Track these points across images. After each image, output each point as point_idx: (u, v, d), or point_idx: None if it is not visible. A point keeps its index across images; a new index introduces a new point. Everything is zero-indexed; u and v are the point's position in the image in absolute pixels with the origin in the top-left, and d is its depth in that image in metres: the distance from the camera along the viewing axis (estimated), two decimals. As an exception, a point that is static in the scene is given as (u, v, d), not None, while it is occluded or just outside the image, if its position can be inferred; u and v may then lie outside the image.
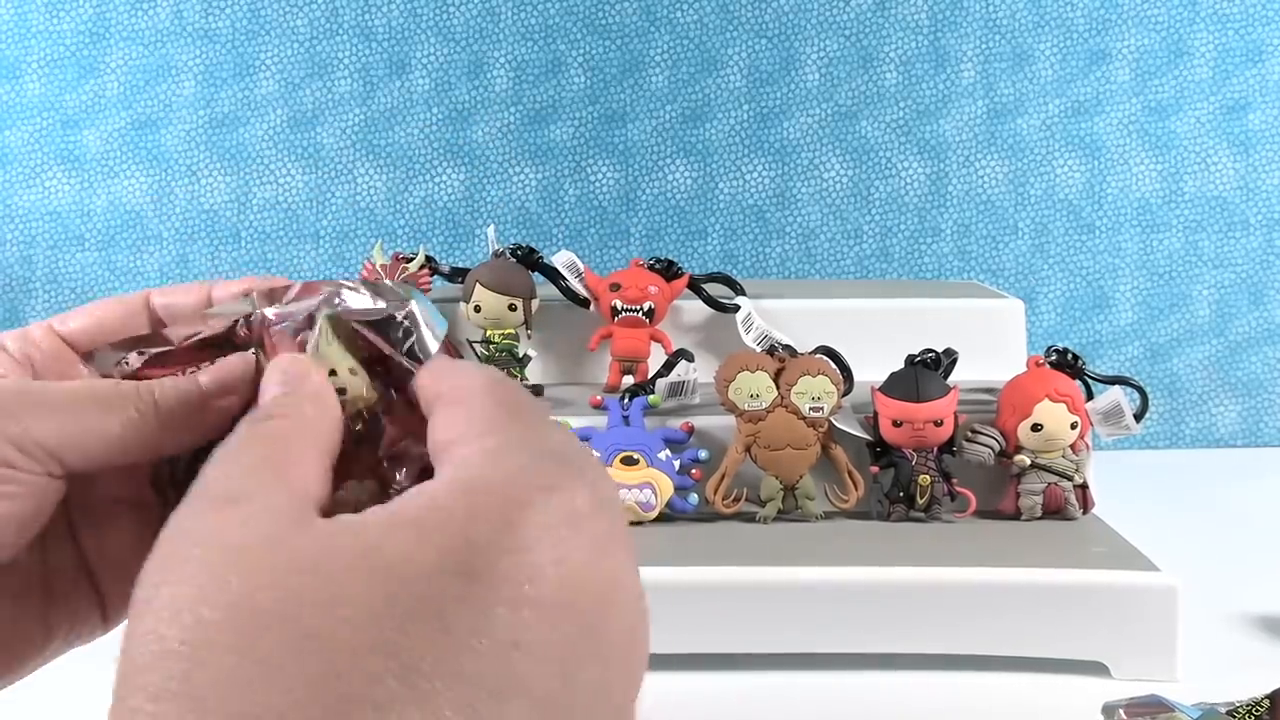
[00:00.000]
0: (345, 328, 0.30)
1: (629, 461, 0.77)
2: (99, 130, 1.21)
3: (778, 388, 0.78)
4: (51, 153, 1.21)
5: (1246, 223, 1.21)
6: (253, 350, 0.32)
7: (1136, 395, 0.80)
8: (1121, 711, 0.56)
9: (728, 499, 0.78)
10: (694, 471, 0.78)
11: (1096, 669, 0.68)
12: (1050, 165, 1.21)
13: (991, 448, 0.78)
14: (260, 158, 1.22)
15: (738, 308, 0.88)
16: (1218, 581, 0.78)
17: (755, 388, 0.78)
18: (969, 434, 0.78)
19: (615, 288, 0.88)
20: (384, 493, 0.27)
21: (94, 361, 0.33)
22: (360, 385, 0.29)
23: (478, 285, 0.87)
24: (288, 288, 0.32)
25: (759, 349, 0.85)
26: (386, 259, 0.91)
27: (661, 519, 0.77)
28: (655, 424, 0.79)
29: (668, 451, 0.78)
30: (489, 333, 0.87)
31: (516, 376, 0.86)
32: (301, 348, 0.30)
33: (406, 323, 0.30)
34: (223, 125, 1.21)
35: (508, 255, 0.90)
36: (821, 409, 0.78)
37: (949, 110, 1.21)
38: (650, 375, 0.82)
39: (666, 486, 0.76)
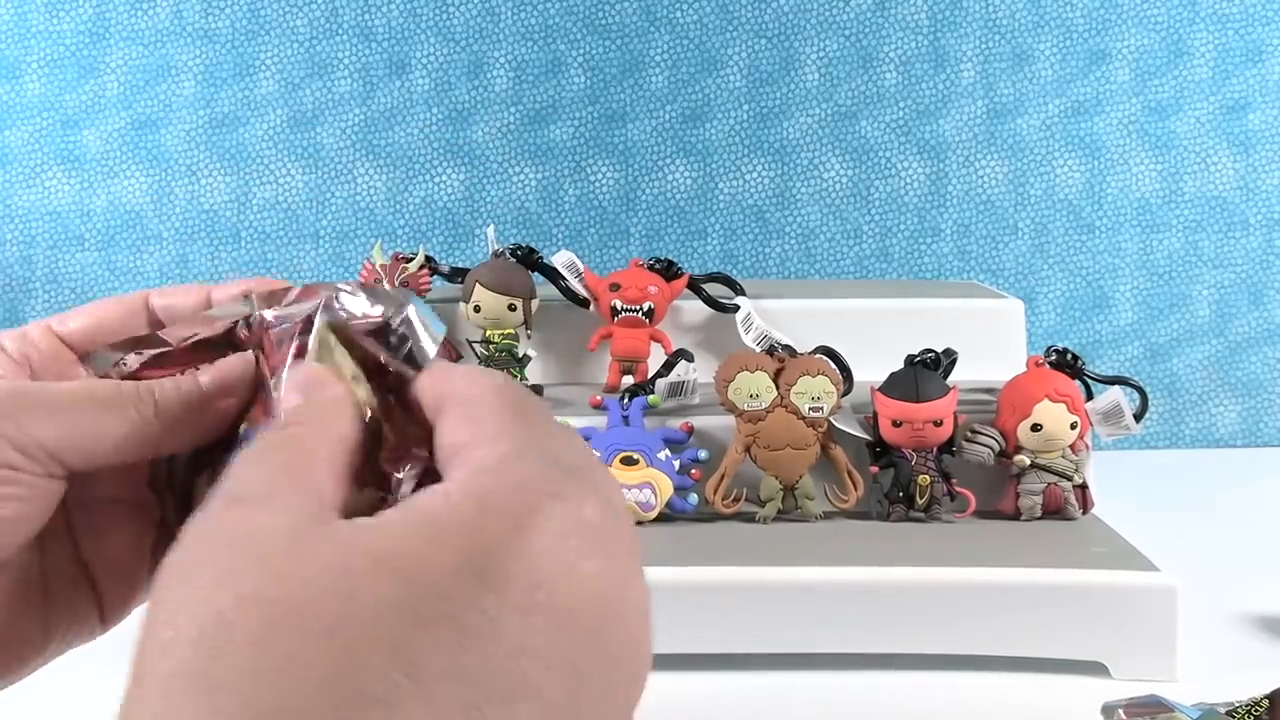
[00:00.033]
0: (344, 335, 0.30)
1: (629, 461, 0.77)
2: (99, 130, 1.21)
3: (777, 388, 0.78)
4: (51, 153, 1.21)
5: (1246, 223, 1.21)
6: (252, 351, 0.32)
7: (1136, 395, 0.80)
8: (1121, 712, 0.57)
9: (727, 499, 0.78)
10: (694, 471, 0.78)
11: (1096, 669, 0.68)
12: (1050, 165, 1.21)
13: (991, 448, 0.78)
14: (260, 158, 1.22)
15: (737, 308, 0.88)
16: (1217, 581, 0.78)
17: (755, 388, 0.78)
18: (969, 434, 0.78)
19: (615, 288, 0.88)
20: (383, 500, 0.27)
21: (92, 362, 0.33)
22: (361, 392, 0.29)
23: (477, 285, 0.87)
24: (286, 290, 0.32)
25: (759, 349, 0.85)
26: (386, 259, 0.91)
27: (661, 519, 0.77)
28: (655, 424, 0.79)
29: (667, 451, 0.78)
30: (489, 333, 0.87)
31: (516, 376, 0.86)
32: (301, 352, 0.30)
33: (403, 329, 0.30)
34: (223, 125, 1.21)
35: (507, 255, 0.90)
36: (821, 409, 0.78)
37: (949, 110, 1.21)
38: (650, 375, 0.82)
39: (666, 486, 0.76)
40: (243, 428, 0.31)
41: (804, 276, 1.23)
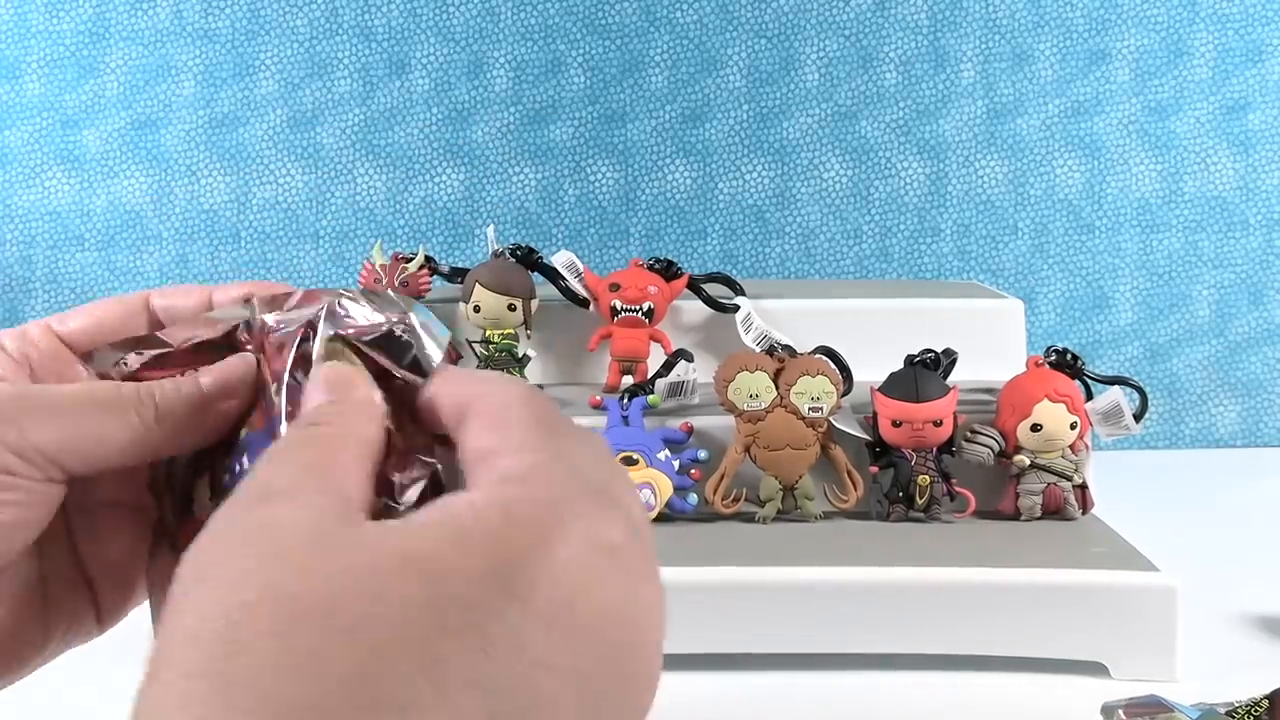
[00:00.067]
0: (348, 346, 0.29)
1: (628, 462, 0.77)
2: (99, 130, 1.21)
3: (777, 388, 0.78)
4: (51, 153, 1.21)
5: (1246, 223, 1.21)
6: (253, 353, 0.32)
7: (1136, 395, 0.80)
8: (1121, 712, 0.56)
9: (727, 499, 0.78)
10: (693, 472, 0.78)
11: (1096, 669, 0.68)
12: (1050, 165, 1.21)
13: (991, 448, 0.78)
14: (260, 158, 1.22)
15: (737, 308, 0.88)
16: (1217, 581, 0.78)
17: (754, 388, 0.78)
18: (968, 434, 0.78)
19: (615, 288, 0.88)
20: (387, 507, 0.27)
21: (93, 361, 0.33)
22: (376, 397, 0.29)
23: (477, 285, 0.87)
24: (288, 295, 0.32)
25: (758, 349, 0.85)
26: (386, 259, 0.91)
27: (661, 519, 0.77)
28: (654, 424, 0.79)
29: (667, 452, 0.78)
30: (488, 333, 0.87)
31: (516, 376, 0.86)
32: (301, 358, 0.30)
33: (406, 336, 0.29)
34: (223, 125, 1.21)
35: (507, 255, 0.90)
36: (821, 409, 0.78)
37: (949, 110, 1.21)
38: (650, 375, 0.82)
39: (666, 487, 0.76)
40: (243, 432, 0.31)
41: (804, 276, 1.23)
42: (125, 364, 0.33)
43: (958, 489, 0.78)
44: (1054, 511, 0.78)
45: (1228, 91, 1.19)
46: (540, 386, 0.90)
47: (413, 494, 0.28)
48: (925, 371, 0.79)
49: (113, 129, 1.21)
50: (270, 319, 0.32)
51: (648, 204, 1.22)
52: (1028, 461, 0.78)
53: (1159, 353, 1.22)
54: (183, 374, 0.32)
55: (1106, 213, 1.22)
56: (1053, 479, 0.78)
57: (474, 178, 1.22)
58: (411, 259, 0.91)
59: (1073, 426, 0.78)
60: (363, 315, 0.30)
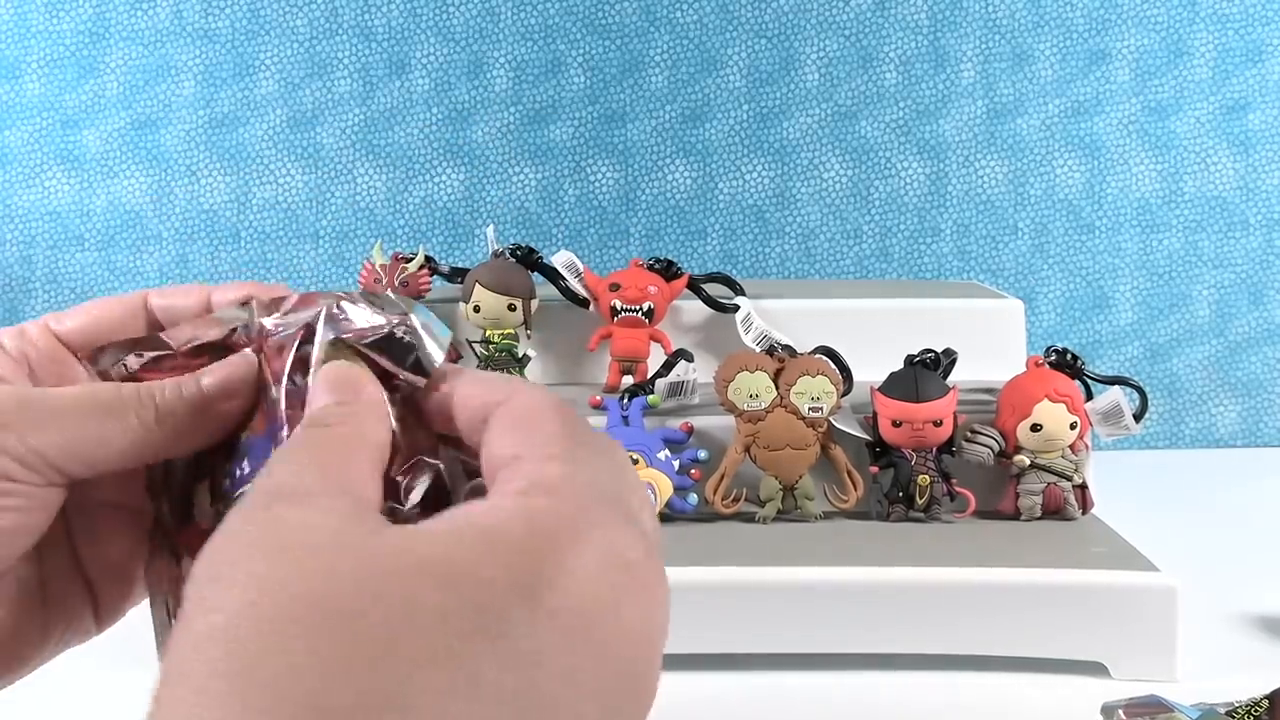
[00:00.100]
0: (349, 350, 0.29)
1: (628, 461, 0.77)
2: (99, 130, 1.21)
3: (777, 388, 0.78)
4: (51, 153, 1.21)
5: (1246, 223, 1.21)
6: (254, 353, 0.32)
7: (1136, 395, 0.80)
8: (1121, 712, 0.56)
9: (727, 499, 0.78)
10: (693, 472, 0.78)
11: (1096, 669, 0.68)
12: (1050, 165, 1.21)
13: (991, 448, 0.78)
14: (260, 158, 1.22)
15: (737, 308, 0.88)
16: (1217, 581, 0.78)
17: (754, 388, 0.78)
18: (968, 434, 0.78)
19: (615, 288, 0.88)
20: (393, 512, 0.27)
21: (92, 362, 0.33)
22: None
23: (477, 285, 0.87)
24: (286, 298, 0.32)
25: (758, 349, 0.85)
26: (386, 259, 0.91)
27: (661, 519, 0.77)
28: (655, 424, 0.79)
29: (667, 452, 0.78)
30: (488, 333, 0.87)
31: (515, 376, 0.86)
32: (300, 361, 0.30)
33: (408, 337, 0.29)
34: (223, 125, 1.21)
35: (507, 255, 0.90)
36: (821, 409, 0.78)
37: (949, 110, 1.21)
38: (650, 375, 0.82)
39: (666, 487, 0.76)
40: (244, 436, 0.31)
41: (804, 276, 1.23)
42: (125, 365, 0.33)
43: (958, 489, 0.78)
44: (1054, 511, 0.78)
45: (1228, 91, 1.19)
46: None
47: (416, 495, 0.28)
48: (925, 371, 0.79)
49: (113, 129, 1.21)
50: (268, 322, 0.32)
51: (648, 204, 1.22)
52: (1028, 461, 0.78)
53: (1159, 353, 1.22)
54: (183, 375, 0.32)
55: (1106, 213, 1.21)
56: (1053, 479, 0.78)
57: (474, 178, 1.22)
58: (411, 259, 0.91)
59: (1073, 426, 0.78)
60: (362, 317, 0.30)
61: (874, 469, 0.79)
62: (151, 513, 0.33)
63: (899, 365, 0.79)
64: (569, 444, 0.26)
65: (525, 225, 1.22)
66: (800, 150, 1.22)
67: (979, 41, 1.20)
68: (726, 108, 1.21)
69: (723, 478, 0.78)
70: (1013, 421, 0.78)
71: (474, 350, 0.87)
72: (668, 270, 0.89)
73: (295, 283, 1.22)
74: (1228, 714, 0.55)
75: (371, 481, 0.26)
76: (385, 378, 0.29)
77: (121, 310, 0.35)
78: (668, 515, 0.77)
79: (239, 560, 0.22)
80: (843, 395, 0.79)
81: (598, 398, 0.82)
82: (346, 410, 0.27)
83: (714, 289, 0.91)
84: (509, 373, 0.84)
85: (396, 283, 0.90)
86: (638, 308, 0.87)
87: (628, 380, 0.86)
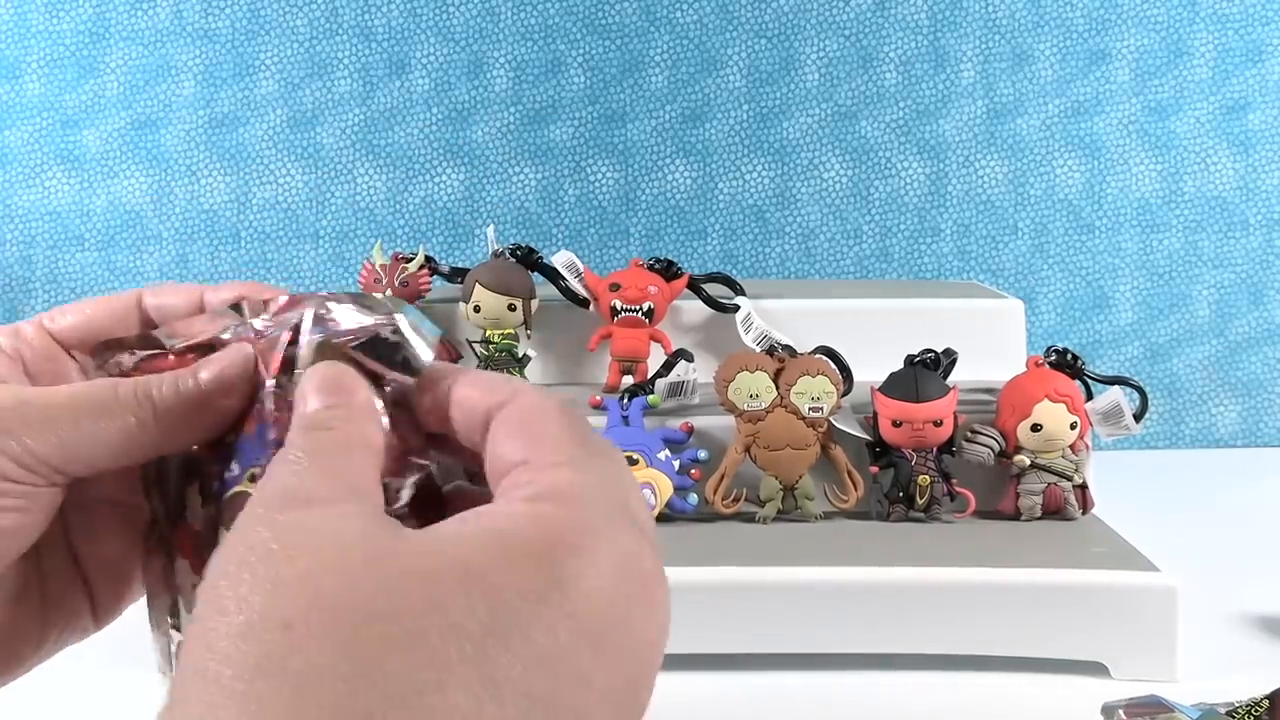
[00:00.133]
0: (335, 351, 0.29)
1: (628, 462, 0.77)
2: (99, 130, 1.21)
3: (777, 388, 0.78)
4: (51, 153, 1.21)
5: (1246, 223, 1.21)
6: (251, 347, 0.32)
7: (1136, 395, 0.80)
8: (1121, 712, 0.56)
9: (727, 499, 0.78)
10: (693, 472, 0.78)
11: (1096, 669, 0.68)
12: (1050, 165, 1.21)
13: (991, 448, 0.78)
14: (260, 158, 1.22)
15: (737, 308, 0.88)
16: (1218, 581, 0.78)
17: (755, 388, 0.78)
18: (968, 434, 0.78)
19: (615, 288, 0.87)
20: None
21: (88, 360, 0.33)
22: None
23: (477, 285, 0.87)
24: (276, 299, 0.32)
25: (758, 349, 0.85)
26: (386, 259, 0.91)
27: (661, 519, 0.77)
28: (655, 424, 0.79)
29: (667, 452, 0.78)
30: (488, 333, 0.87)
31: (515, 376, 0.86)
32: (286, 363, 0.30)
33: (394, 337, 0.29)
34: (223, 125, 1.21)
35: (507, 255, 0.90)
36: (821, 409, 0.78)
37: (949, 110, 1.21)
38: (650, 375, 0.82)
39: (666, 487, 0.76)
40: (234, 437, 0.31)
41: (804, 276, 1.23)
42: (120, 365, 0.33)
43: (958, 489, 0.78)
44: (1054, 511, 0.78)
45: (1228, 91, 1.19)
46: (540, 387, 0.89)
47: (405, 495, 0.28)
48: (925, 371, 0.79)
49: (113, 129, 1.21)
50: (258, 323, 0.32)
51: (648, 204, 1.22)
52: (1028, 461, 0.78)
53: (1159, 353, 1.22)
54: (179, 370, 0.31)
55: (1106, 213, 1.21)
56: (1053, 479, 0.78)
57: (474, 178, 1.22)
58: (411, 259, 0.91)
59: (1073, 426, 0.78)
60: (349, 319, 0.30)
61: (874, 469, 0.78)
62: (145, 508, 0.33)
63: (899, 365, 0.79)
64: (575, 449, 0.26)
65: (525, 225, 1.22)
66: (800, 150, 1.22)
67: (979, 41, 1.20)
68: (726, 108, 1.21)
69: (723, 478, 0.78)
70: (1013, 421, 0.78)
71: (474, 350, 0.87)
72: (668, 270, 0.89)
73: (295, 283, 1.22)
74: (1228, 714, 0.55)
75: (374, 484, 0.26)
76: (374, 379, 0.29)
77: (114, 308, 0.35)
78: (668, 515, 0.77)
79: (258, 563, 0.22)
80: (843, 395, 0.79)
81: (598, 398, 0.82)
82: (342, 413, 0.27)
83: (714, 289, 0.91)
84: (509, 373, 0.84)
85: (396, 283, 0.90)
86: (638, 308, 0.87)
87: (628, 380, 0.86)
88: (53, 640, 0.32)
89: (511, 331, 0.87)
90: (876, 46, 1.20)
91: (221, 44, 1.21)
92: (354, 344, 0.29)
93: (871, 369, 0.80)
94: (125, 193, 1.22)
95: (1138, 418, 0.79)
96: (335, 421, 0.27)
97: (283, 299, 0.32)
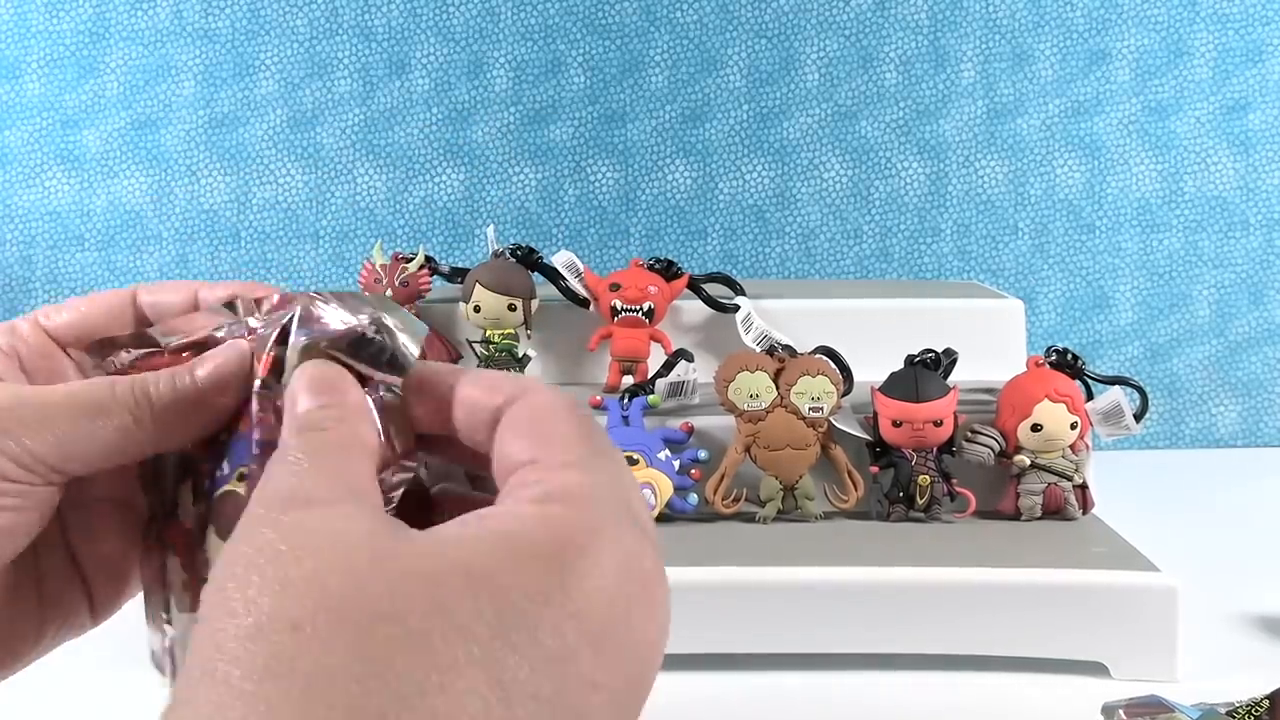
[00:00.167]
0: (321, 354, 0.29)
1: (628, 462, 0.77)
2: (99, 130, 1.21)
3: (777, 388, 0.78)
4: (51, 153, 1.21)
5: (1246, 223, 1.21)
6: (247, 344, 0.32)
7: (1136, 395, 0.80)
8: (1121, 712, 0.56)
9: (727, 499, 0.78)
10: (693, 472, 0.78)
11: (1096, 669, 0.68)
12: (1050, 165, 1.21)
13: (991, 448, 0.78)
14: (260, 158, 1.22)
15: (737, 308, 0.88)
16: (1218, 581, 0.78)
17: (755, 388, 0.78)
18: (969, 434, 0.78)
19: (615, 288, 0.87)
20: None
21: (83, 358, 0.33)
22: None
23: (477, 285, 0.87)
24: (269, 298, 0.32)
25: (759, 349, 0.85)
26: (386, 259, 0.91)
27: (661, 519, 0.77)
28: (655, 424, 0.79)
29: (667, 452, 0.78)
30: (488, 333, 0.87)
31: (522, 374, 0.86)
32: (275, 363, 0.30)
33: (380, 336, 0.29)
34: (223, 125, 1.21)
35: (507, 255, 0.90)
36: (821, 409, 0.78)
37: (949, 110, 1.21)
38: (650, 375, 0.82)
39: (666, 487, 0.76)
40: (226, 435, 0.31)
41: (804, 276, 1.23)
42: (116, 363, 0.33)
43: (958, 489, 0.78)
44: (1054, 511, 0.78)
45: (1228, 91, 1.19)
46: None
47: (395, 496, 0.28)
48: (925, 371, 0.79)
49: (113, 129, 1.21)
50: (252, 321, 0.32)
51: (648, 204, 1.22)
52: (1028, 461, 0.78)
53: (1159, 353, 1.22)
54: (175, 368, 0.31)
55: (1106, 213, 1.21)
56: (1053, 479, 0.78)
57: (474, 178, 1.22)
58: (411, 259, 0.91)
59: (1073, 426, 0.78)
60: (335, 319, 0.30)
61: (874, 469, 0.78)
62: (144, 507, 0.33)
63: (899, 365, 0.79)
64: (584, 450, 0.26)
65: (525, 225, 1.22)
66: (800, 150, 1.22)
67: (979, 41, 1.20)
68: (726, 108, 1.21)
69: (723, 478, 0.78)
70: (1013, 421, 0.78)
71: (474, 350, 0.87)
72: (668, 270, 0.89)
73: (295, 283, 1.22)
74: (1228, 714, 0.55)
75: (372, 484, 0.26)
76: (361, 378, 0.29)
77: (110, 306, 0.35)
78: (668, 515, 0.77)
79: (266, 565, 0.22)
80: (843, 395, 0.79)
81: (598, 398, 0.82)
82: (335, 413, 0.27)
83: (714, 289, 0.91)
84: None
85: (396, 283, 0.90)
86: (638, 308, 0.87)
87: (628, 380, 0.86)
88: (50, 636, 0.32)
89: (512, 331, 0.87)
90: (876, 46, 1.20)
91: (221, 44, 1.21)
92: (340, 345, 0.29)
93: (871, 369, 0.80)
94: (125, 193, 1.22)
95: (1138, 418, 0.79)
96: (329, 422, 0.27)
97: (275, 297, 0.32)
